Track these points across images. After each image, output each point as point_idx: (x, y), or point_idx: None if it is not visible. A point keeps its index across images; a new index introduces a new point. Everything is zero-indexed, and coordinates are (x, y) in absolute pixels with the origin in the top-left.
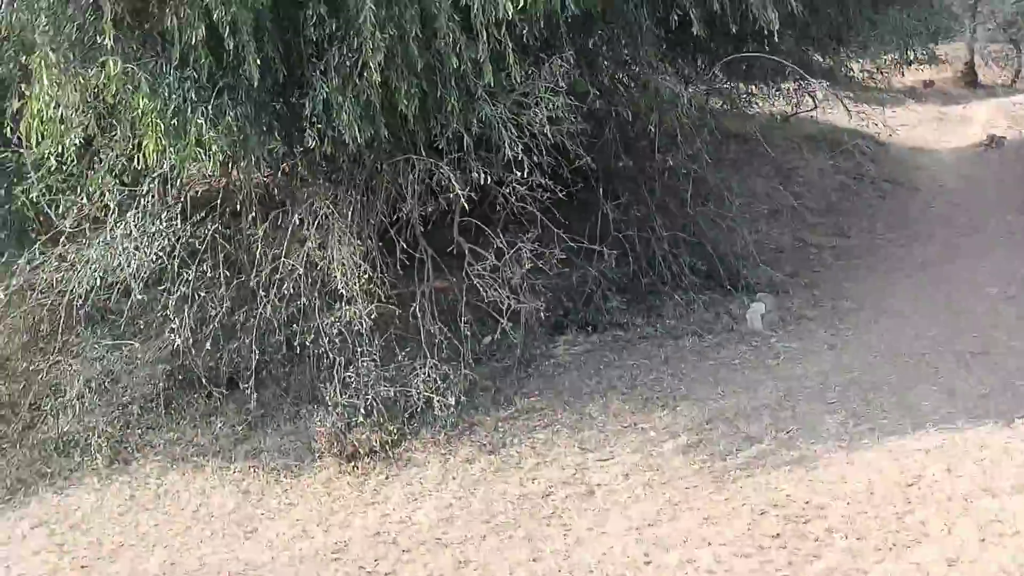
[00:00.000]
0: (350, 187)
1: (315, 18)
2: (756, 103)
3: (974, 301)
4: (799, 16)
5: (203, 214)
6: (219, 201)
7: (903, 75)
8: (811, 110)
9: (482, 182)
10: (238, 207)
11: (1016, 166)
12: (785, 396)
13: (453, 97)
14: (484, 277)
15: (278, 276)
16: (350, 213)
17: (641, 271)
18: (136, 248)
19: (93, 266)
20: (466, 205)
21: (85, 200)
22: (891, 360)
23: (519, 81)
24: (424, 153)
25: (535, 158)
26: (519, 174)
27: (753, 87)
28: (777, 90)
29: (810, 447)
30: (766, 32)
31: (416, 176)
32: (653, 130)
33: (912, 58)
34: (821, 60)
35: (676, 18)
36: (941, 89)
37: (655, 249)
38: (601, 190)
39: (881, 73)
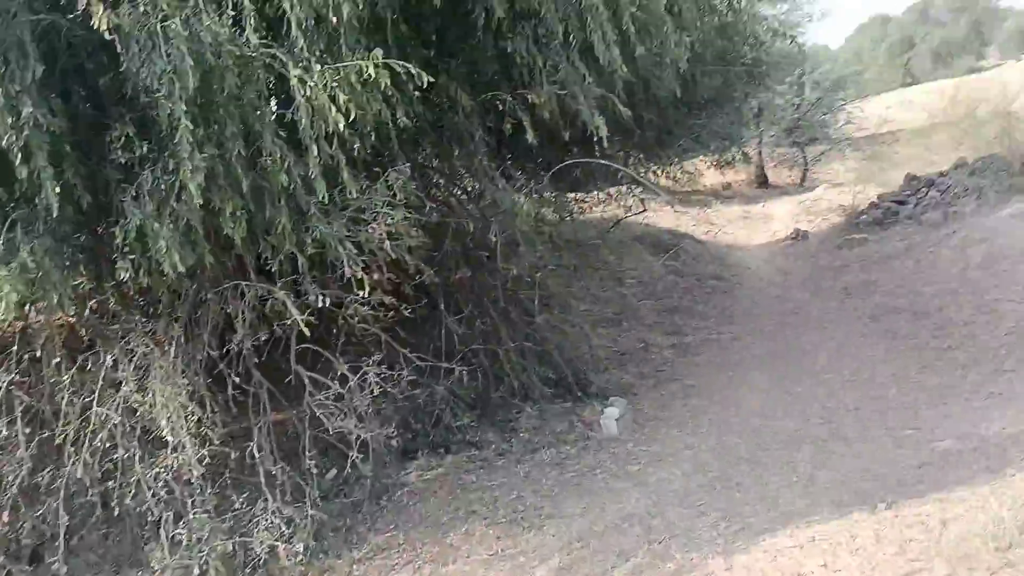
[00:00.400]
0: (171, 321)
1: (122, 140)
2: (588, 208)
3: (816, 387)
4: (625, 122)
5: None
6: (15, 348)
7: (704, 178)
8: (639, 212)
9: (320, 305)
10: (38, 353)
11: (821, 256)
12: (653, 504)
13: (284, 217)
14: (328, 406)
15: (90, 428)
16: (173, 349)
17: (490, 385)
18: None
19: None
20: (306, 331)
21: None
22: (749, 455)
23: (354, 196)
24: (254, 278)
25: (375, 276)
26: (360, 294)
27: (585, 193)
28: (608, 194)
29: (686, 556)
30: (596, 138)
31: (247, 303)
32: (494, 240)
33: (732, 159)
34: (646, 164)
35: (510, 127)
36: (738, 191)
37: (503, 361)
38: (443, 304)
39: (690, 176)
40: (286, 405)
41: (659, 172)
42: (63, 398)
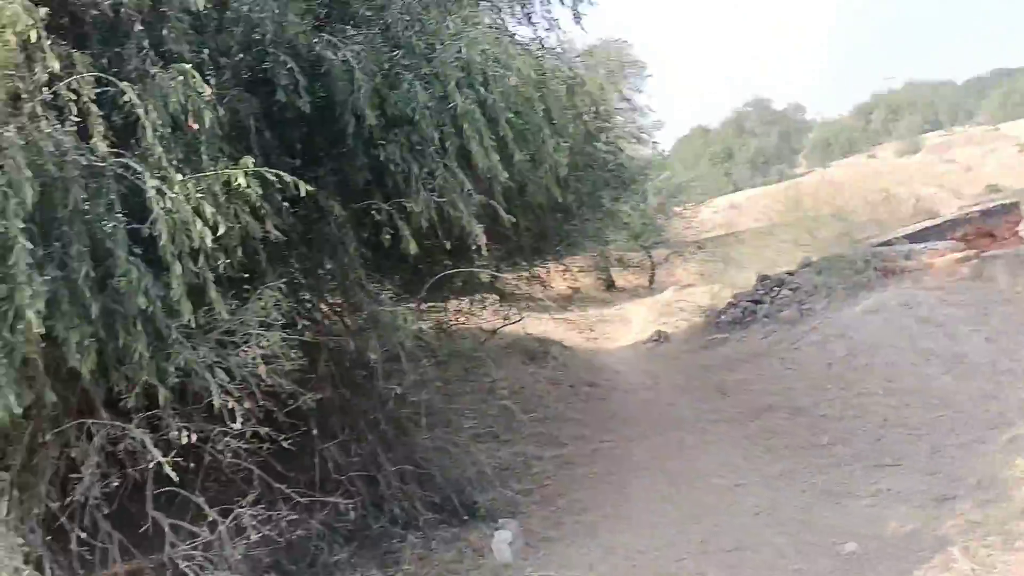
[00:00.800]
0: (2, 469)
1: None
2: (465, 319)
3: (708, 495)
4: (503, 228)
5: None
6: None
7: (552, 283)
8: (516, 321)
9: (184, 441)
10: None
11: (687, 357)
12: None
13: (140, 344)
14: (193, 557)
15: None
16: (5, 505)
17: (369, 514)
18: None
19: None
20: (173, 474)
21: None
22: (651, 572)
23: (224, 317)
24: (105, 415)
25: (246, 404)
26: (233, 426)
27: (464, 302)
28: (483, 304)
29: None
30: (475, 246)
31: (94, 445)
32: (374, 357)
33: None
34: (518, 269)
35: (388, 237)
36: (587, 295)
37: (383, 487)
38: (317, 430)
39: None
40: (141, 558)
41: (514, 279)
42: None
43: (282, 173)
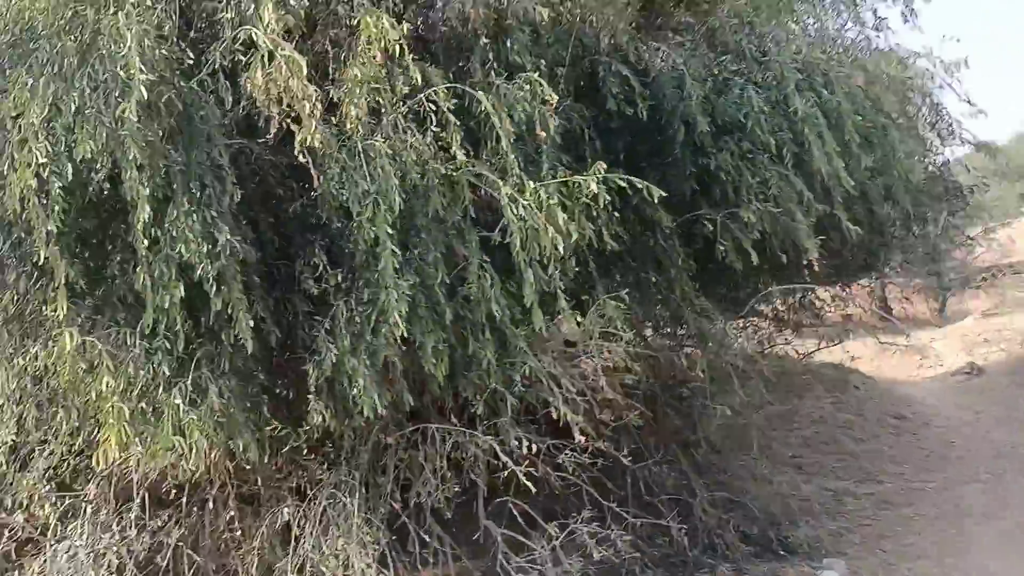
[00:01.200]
0: (352, 469)
1: (313, 269)
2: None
3: None
4: (834, 244)
5: (165, 519)
6: (184, 500)
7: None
8: (834, 345)
9: (526, 451)
10: (210, 504)
11: (1010, 391)
12: None
13: (489, 351)
14: (527, 570)
15: None
16: (355, 502)
17: (675, 540)
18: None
19: None
20: (530, 486)
21: (20, 518)
22: None
23: (568, 328)
24: (447, 421)
25: (579, 419)
26: (581, 440)
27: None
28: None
29: None
30: (805, 262)
31: (435, 450)
32: (703, 375)
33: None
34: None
35: (722, 248)
36: (859, 322)
37: (697, 513)
38: (626, 449)
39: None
40: (470, 566)
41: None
42: (236, 554)
43: (634, 179)
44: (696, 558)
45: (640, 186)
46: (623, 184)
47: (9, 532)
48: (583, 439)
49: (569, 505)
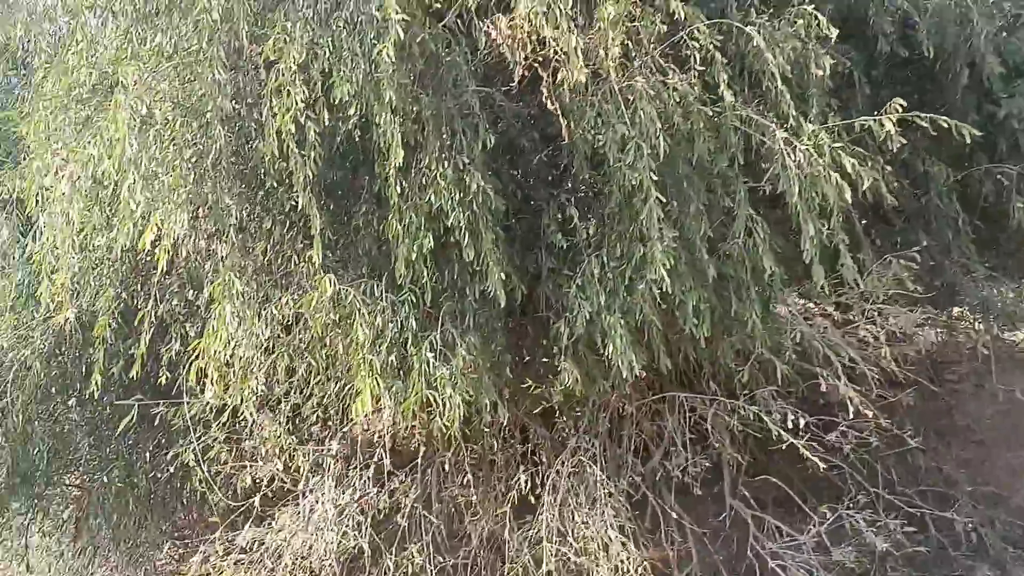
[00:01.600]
0: (593, 436)
1: (563, 222)
2: None
3: None
4: None
5: (402, 478)
6: (419, 460)
7: None
8: None
9: (792, 426)
10: (444, 468)
11: None
12: None
13: (754, 313)
14: (782, 557)
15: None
16: (597, 471)
17: (929, 534)
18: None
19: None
20: (819, 462)
21: (280, 468)
22: None
23: (848, 287)
24: (689, 390)
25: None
26: (850, 414)
27: None
28: None
29: None
30: None
31: (680, 421)
32: (985, 352)
33: None
34: None
35: (1020, 209)
36: None
37: (964, 510)
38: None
39: None
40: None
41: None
42: (483, 522)
43: (947, 119)
44: (948, 554)
45: (949, 124)
46: (944, 124)
47: (267, 482)
48: (869, 415)
49: (828, 490)
